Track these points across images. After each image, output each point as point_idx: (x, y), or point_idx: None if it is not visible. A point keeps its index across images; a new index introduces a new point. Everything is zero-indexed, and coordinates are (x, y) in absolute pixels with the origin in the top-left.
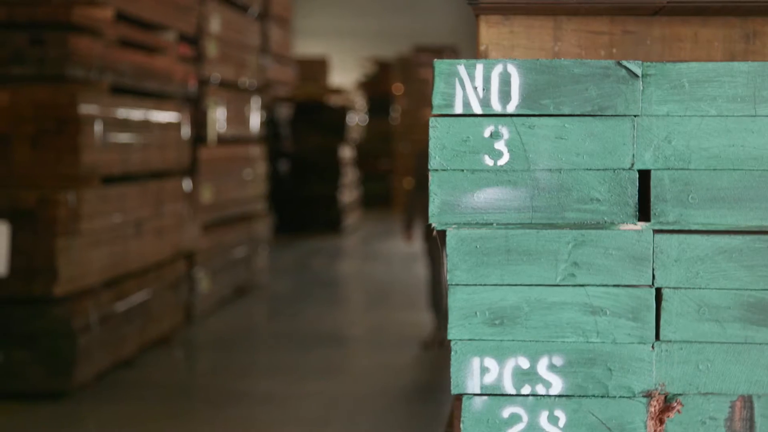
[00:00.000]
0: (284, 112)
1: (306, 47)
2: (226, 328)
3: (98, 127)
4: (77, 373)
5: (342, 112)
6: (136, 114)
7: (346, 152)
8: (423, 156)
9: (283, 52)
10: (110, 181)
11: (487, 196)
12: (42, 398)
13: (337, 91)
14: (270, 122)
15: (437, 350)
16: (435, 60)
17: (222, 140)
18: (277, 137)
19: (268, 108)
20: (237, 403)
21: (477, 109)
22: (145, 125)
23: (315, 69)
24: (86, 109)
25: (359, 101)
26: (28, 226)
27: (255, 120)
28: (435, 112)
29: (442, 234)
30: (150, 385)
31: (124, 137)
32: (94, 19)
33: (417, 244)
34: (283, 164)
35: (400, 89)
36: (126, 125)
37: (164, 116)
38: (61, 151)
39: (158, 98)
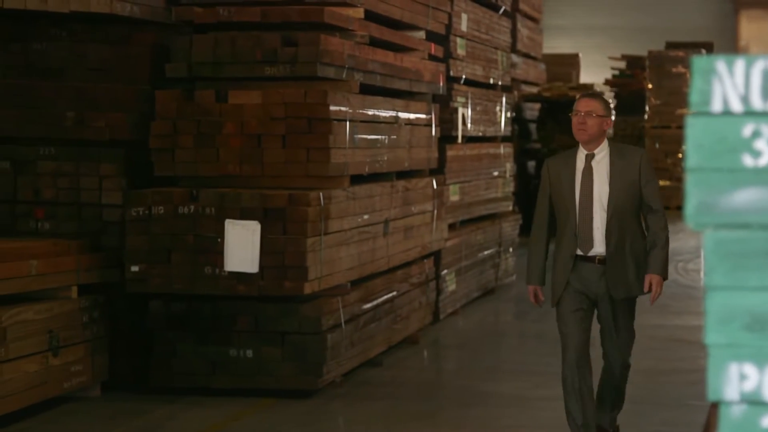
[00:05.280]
0: (532, 110)
1: (555, 45)
2: (473, 328)
3: (348, 127)
4: (326, 372)
5: None
6: (385, 113)
7: None
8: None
9: (532, 50)
10: (359, 180)
11: (746, 197)
12: (291, 395)
13: (587, 89)
14: (518, 120)
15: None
16: (693, 56)
17: (470, 139)
18: (526, 136)
19: (516, 106)
20: (483, 403)
21: (737, 107)
22: (394, 124)
23: (565, 67)
24: (337, 108)
25: (610, 99)
26: (278, 225)
27: (503, 118)
28: (692, 110)
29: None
30: (397, 384)
31: (373, 136)
32: (344, 18)
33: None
34: (531, 163)
35: (652, 87)
36: (375, 124)
37: (413, 115)
38: (311, 150)
39: (407, 97)
